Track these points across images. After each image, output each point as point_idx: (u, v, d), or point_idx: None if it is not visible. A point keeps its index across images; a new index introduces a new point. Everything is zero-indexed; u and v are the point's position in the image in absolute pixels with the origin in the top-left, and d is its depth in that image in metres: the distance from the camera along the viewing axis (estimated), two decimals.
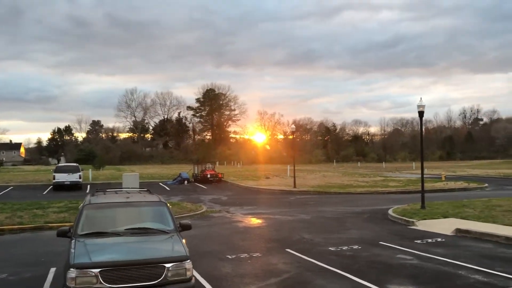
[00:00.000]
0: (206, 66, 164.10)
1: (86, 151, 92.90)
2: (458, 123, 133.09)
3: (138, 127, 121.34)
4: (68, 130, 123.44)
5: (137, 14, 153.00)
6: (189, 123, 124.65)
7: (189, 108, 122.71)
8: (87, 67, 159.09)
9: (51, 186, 36.65)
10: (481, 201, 22.18)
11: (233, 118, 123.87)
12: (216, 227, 17.32)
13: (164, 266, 7.04)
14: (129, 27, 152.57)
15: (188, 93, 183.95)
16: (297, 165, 41.82)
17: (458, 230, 15.00)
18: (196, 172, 45.87)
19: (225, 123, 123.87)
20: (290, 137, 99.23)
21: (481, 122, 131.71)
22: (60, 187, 35.42)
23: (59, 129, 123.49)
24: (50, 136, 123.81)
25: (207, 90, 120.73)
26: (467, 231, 14.75)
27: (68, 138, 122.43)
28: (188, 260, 7.27)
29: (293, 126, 57.77)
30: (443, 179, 38.98)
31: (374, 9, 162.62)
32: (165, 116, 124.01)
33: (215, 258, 11.72)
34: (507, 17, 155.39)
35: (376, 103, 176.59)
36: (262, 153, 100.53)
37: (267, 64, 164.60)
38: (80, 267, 6.79)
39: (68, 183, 35.88)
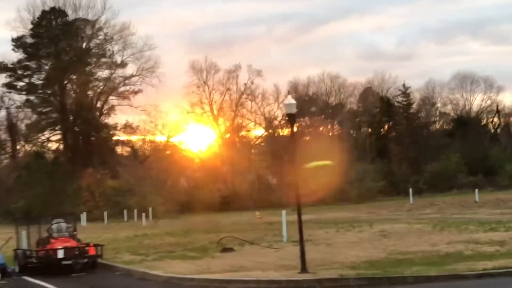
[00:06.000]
0: None
1: None
2: None
3: None
4: None
5: None
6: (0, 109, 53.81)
7: None
8: None
9: None
10: None
11: (121, 90, 54.16)
12: None
13: None
14: None
15: None
16: (310, 208, 25.54)
17: None
18: (25, 246, 20.27)
19: (100, 104, 54.13)
20: (285, 131, 46.34)
21: None
22: None
23: None
24: None
25: (43, 12, 52.01)
26: None
27: None
28: None
29: (290, 99, 13.97)
30: None
31: None
32: None
33: None
34: None
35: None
36: (210, 180, 46.98)
37: None
38: None
39: None
